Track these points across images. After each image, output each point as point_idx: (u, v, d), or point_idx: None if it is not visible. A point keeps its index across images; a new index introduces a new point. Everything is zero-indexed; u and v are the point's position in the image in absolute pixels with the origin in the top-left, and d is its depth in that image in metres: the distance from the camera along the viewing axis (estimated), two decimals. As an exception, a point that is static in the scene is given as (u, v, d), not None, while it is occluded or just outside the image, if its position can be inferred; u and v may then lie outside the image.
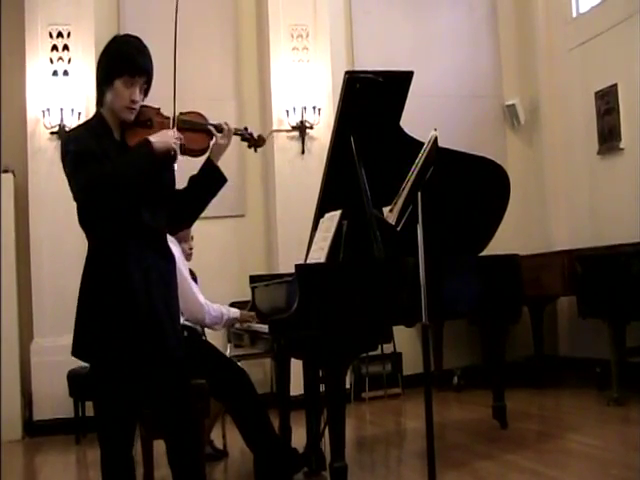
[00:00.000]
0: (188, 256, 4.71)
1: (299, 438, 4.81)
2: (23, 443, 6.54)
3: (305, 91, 7.40)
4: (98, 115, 3.08)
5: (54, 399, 6.54)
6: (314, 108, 7.35)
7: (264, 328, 4.06)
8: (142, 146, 2.92)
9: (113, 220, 2.95)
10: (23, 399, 6.75)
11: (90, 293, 2.97)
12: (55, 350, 6.57)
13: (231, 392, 4.42)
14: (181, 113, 3.16)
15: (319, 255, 4.10)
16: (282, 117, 7.39)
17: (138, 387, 3.00)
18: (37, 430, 6.65)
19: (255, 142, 3.46)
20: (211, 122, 3.23)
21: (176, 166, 3.04)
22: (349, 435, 4.62)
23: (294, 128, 7.35)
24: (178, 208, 3.13)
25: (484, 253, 5.10)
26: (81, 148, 2.88)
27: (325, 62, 7.51)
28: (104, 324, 2.91)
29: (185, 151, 3.09)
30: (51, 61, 6.94)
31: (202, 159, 3.20)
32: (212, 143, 3.21)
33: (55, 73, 6.93)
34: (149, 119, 3.09)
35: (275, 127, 7.37)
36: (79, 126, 3.15)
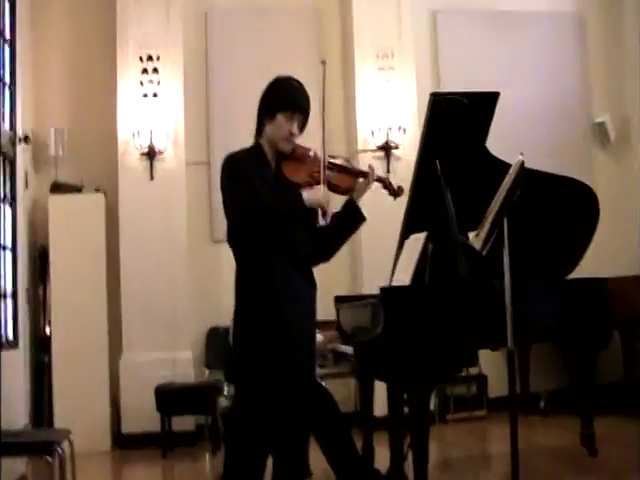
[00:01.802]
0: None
1: (382, 459, 4.78)
2: (112, 455, 6.69)
3: (390, 111, 7.40)
4: (257, 145, 3.39)
5: (142, 413, 6.67)
6: (399, 128, 7.34)
7: (349, 349, 4.07)
8: (296, 195, 3.21)
9: (263, 242, 3.21)
10: (112, 411, 6.91)
11: (243, 318, 3.26)
12: (143, 365, 6.76)
13: (314, 411, 4.43)
14: (330, 156, 3.47)
15: (404, 277, 4.10)
16: (367, 137, 7.41)
17: (279, 405, 3.24)
18: (125, 442, 6.80)
19: (395, 192, 3.72)
20: (358, 167, 3.66)
21: (322, 220, 3.30)
22: (432, 457, 4.58)
23: (379, 148, 7.36)
24: (320, 242, 3.41)
25: (572, 276, 5.00)
26: (238, 168, 3.22)
27: (410, 82, 7.50)
28: (256, 346, 3.20)
29: (332, 187, 3.39)
30: (141, 84, 7.13)
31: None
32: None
33: (145, 95, 7.13)
34: (303, 155, 3.41)
35: (360, 147, 7.40)
36: (240, 151, 3.40)
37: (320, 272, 7.09)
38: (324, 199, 3.25)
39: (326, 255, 3.45)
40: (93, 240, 6.92)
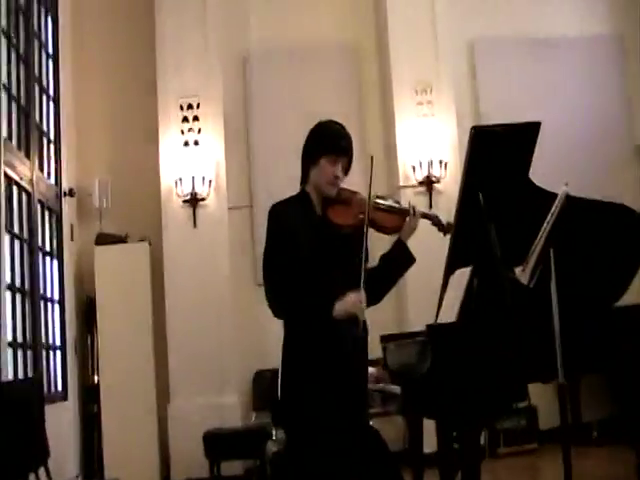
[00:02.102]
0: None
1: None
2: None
3: (430, 145, 7.41)
4: (302, 192, 3.39)
5: (191, 459, 6.67)
6: (440, 162, 7.34)
7: (396, 389, 4.02)
8: (323, 306, 3.17)
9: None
10: (161, 458, 6.91)
11: (291, 363, 3.24)
12: (191, 411, 6.77)
13: (363, 451, 4.38)
14: (377, 196, 3.45)
15: (450, 314, 4.04)
16: (408, 173, 7.42)
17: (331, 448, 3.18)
18: (174, 489, 6.80)
19: (444, 228, 3.72)
20: (402, 205, 3.55)
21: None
22: (485, 494, 4.48)
23: (421, 183, 7.35)
24: (370, 284, 3.30)
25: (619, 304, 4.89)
26: (282, 221, 3.24)
27: (449, 114, 7.52)
28: (305, 390, 3.18)
29: (378, 228, 3.42)
30: (182, 132, 7.24)
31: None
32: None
33: (186, 144, 7.24)
34: (349, 198, 3.39)
35: (402, 183, 7.40)
36: (285, 200, 3.39)
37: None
38: (354, 308, 3.16)
39: (375, 298, 3.40)
40: (139, 289, 7.00)
